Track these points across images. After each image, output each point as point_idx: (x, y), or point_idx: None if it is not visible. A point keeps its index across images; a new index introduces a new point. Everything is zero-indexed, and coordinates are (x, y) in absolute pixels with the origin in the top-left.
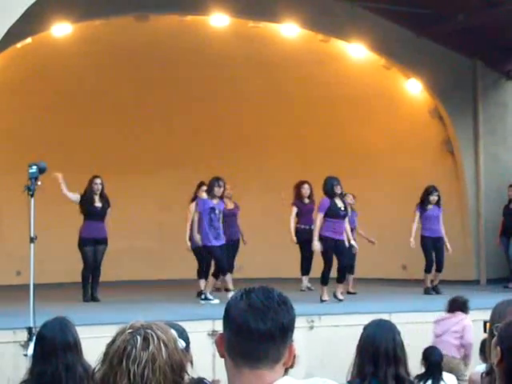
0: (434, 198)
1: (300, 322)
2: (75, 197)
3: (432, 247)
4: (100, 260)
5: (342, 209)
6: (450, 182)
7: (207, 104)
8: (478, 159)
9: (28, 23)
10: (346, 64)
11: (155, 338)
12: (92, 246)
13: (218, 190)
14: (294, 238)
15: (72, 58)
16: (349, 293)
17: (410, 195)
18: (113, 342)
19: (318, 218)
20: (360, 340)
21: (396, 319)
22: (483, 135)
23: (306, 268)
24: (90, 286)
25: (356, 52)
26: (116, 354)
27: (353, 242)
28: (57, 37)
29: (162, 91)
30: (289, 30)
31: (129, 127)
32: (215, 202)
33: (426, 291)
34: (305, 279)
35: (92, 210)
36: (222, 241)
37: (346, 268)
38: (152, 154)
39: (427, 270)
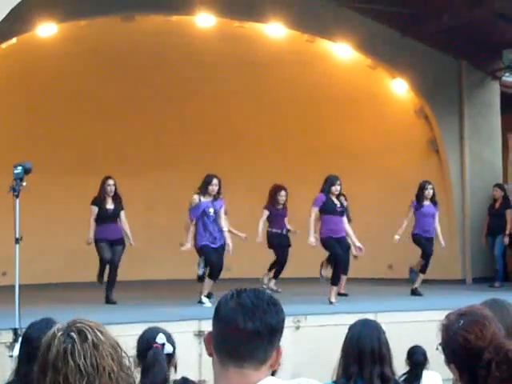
0: (428, 191)
1: (286, 322)
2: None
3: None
4: (118, 261)
5: (339, 206)
6: (435, 181)
7: (192, 104)
8: (463, 159)
9: (13, 23)
10: (332, 64)
11: (89, 328)
12: (109, 244)
13: (211, 189)
14: (261, 239)
15: (57, 58)
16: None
17: (395, 195)
18: (48, 348)
19: (313, 212)
20: (345, 340)
21: (381, 319)
22: (468, 135)
23: (277, 272)
24: (106, 287)
25: (342, 52)
26: (58, 358)
27: (358, 243)
28: (42, 37)
29: (148, 91)
30: (274, 31)
31: (114, 128)
32: (208, 200)
33: (414, 292)
34: (273, 282)
35: (105, 213)
36: (218, 243)
37: (341, 268)
38: (138, 155)
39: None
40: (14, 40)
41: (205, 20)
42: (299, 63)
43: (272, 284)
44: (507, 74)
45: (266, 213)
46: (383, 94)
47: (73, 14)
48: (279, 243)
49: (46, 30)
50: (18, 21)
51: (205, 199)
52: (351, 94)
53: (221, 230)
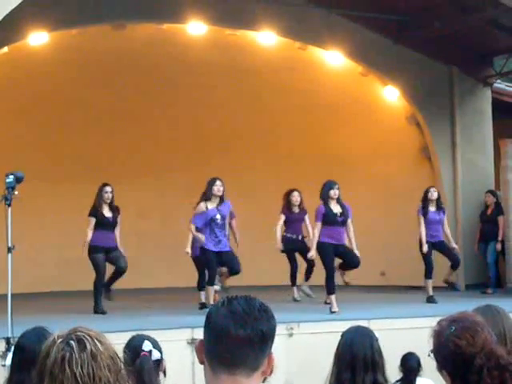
0: (431, 193)
1: (279, 330)
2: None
3: (432, 251)
4: (125, 264)
5: (339, 214)
6: None
7: (185, 111)
8: (455, 166)
9: (4, 32)
10: (324, 71)
11: (88, 337)
12: (104, 254)
13: (217, 189)
14: (280, 245)
15: (49, 66)
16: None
17: (387, 202)
18: (47, 355)
19: (316, 227)
20: (338, 347)
21: (374, 326)
22: (460, 142)
23: (293, 277)
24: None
25: (333, 59)
26: (55, 365)
27: (356, 251)
28: (33, 46)
29: (139, 99)
30: (266, 38)
31: (106, 135)
32: (214, 206)
33: (429, 300)
34: (295, 289)
35: (102, 220)
36: (223, 247)
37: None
38: (130, 162)
39: (428, 276)
40: (5, 49)
41: (196, 28)
42: (291, 71)
43: (305, 287)
44: (499, 81)
45: (282, 217)
46: (375, 101)
47: (64, 22)
48: (292, 249)
49: (38, 38)
50: (9, 29)
51: (211, 205)
52: (343, 101)
53: (226, 236)
